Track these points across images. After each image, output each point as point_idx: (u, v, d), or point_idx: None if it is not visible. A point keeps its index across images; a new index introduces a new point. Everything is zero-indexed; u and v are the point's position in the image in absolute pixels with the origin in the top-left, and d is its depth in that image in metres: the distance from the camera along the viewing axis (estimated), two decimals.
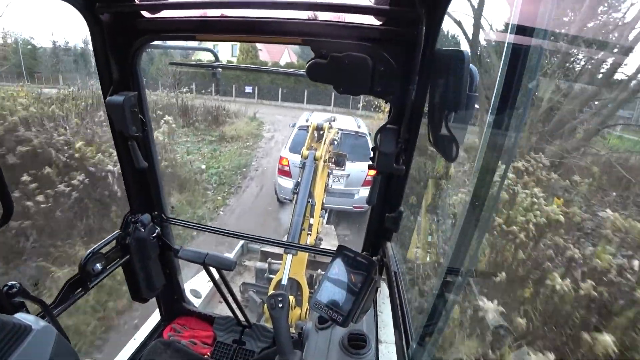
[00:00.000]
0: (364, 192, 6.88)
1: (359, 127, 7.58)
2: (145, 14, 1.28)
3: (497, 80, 0.60)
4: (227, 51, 26.14)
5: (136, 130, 1.44)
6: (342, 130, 5.73)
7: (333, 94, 22.21)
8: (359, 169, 6.65)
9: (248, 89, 26.35)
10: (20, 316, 0.92)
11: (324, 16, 1.16)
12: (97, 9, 1.23)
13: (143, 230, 1.68)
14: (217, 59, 1.94)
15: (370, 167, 1.28)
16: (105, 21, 1.28)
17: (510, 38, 0.56)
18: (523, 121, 0.61)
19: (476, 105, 0.97)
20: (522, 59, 0.55)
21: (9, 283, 1.10)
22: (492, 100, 0.62)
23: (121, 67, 1.39)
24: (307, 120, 7.39)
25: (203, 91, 21.09)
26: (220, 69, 1.99)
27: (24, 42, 30.79)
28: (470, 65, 0.93)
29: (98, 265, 1.47)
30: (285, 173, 6.93)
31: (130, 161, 1.50)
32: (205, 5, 1.15)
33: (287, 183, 6.73)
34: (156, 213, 1.79)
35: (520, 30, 0.54)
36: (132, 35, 1.33)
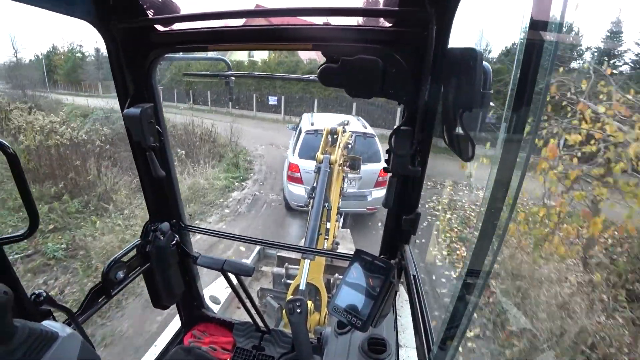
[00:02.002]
0: (377, 193, 6.88)
1: (365, 127, 7.58)
2: (158, 27, 1.32)
3: (512, 77, 0.59)
4: (263, 53, 21.73)
5: (153, 141, 1.47)
6: (352, 132, 5.73)
7: (399, 109, 16.54)
8: (370, 170, 6.62)
9: (272, 101, 21.10)
10: (48, 323, 0.95)
11: (333, 20, 1.16)
12: (112, 24, 1.27)
13: (162, 238, 1.71)
14: (229, 67, 1.97)
15: (385, 170, 1.27)
16: (120, 36, 1.32)
17: (524, 33, 0.55)
18: (540, 119, 0.59)
19: (491, 103, 0.95)
20: (537, 54, 0.54)
21: (36, 291, 1.13)
22: (507, 98, 0.61)
23: (137, 80, 1.43)
24: (312, 124, 7.35)
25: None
26: (233, 78, 2.01)
27: (74, 50, 32.33)
28: (484, 62, 0.92)
29: (120, 273, 1.51)
30: (296, 180, 6.87)
31: (148, 171, 1.54)
32: (216, 16, 1.17)
33: (299, 190, 6.71)
34: (174, 221, 1.82)
35: (534, 24, 0.53)
36: (146, 48, 1.36)
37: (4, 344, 0.83)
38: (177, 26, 1.31)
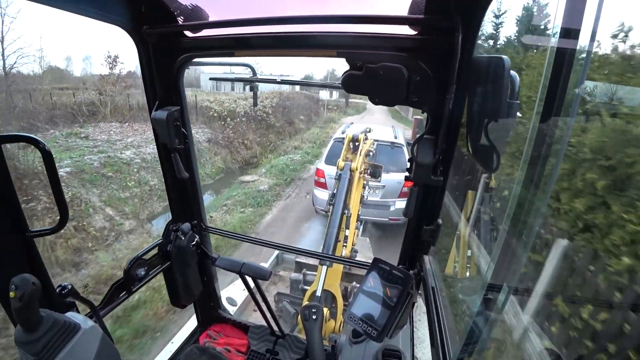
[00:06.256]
0: (400, 203, 6.76)
1: (396, 137, 7.55)
2: (187, 33, 1.36)
3: (540, 87, 0.57)
4: None
5: (178, 143, 1.51)
6: (377, 141, 5.72)
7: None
8: (395, 180, 6.57)
9: None
10: (71, 315, 0.99)
11: (357, 28, 1.16)
12: (145, 31, 1.32)
13: (183, 238, 1.74)
14: (254, 72, 2.02)
15: (407, 179, 1.25)
16: (151, 42, 1.37)
17: (554, 42, 0.53)
18: (569, 130, 0.57)
19: (518, 114, 0.93)
20: (568, 63, 0.52)
21: (62, 284, 1.18)
22: (535, 108, 0.59)
23: (165, 84, 1.48)
24: (343, 133, 7.44)
25: None
26: (257, 83, 2.06)
27: None
28: (511, 71, 0.89)
29: (141, 270, 1.55)
30: (322, 185, 7.05)
31: (172, 172, 1.58)
32: (242, 23, 1.19)
33: (324, 195, 6.79)
34: (196, 222, 1.86)
35: (565, 32, 0.52)
36: (175, 53, 1.41)
37: (29, 331, 0.87)
38: (205, 32, 1.35)
